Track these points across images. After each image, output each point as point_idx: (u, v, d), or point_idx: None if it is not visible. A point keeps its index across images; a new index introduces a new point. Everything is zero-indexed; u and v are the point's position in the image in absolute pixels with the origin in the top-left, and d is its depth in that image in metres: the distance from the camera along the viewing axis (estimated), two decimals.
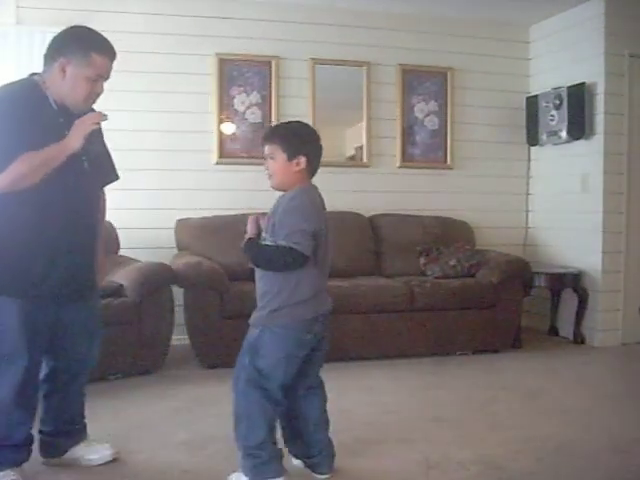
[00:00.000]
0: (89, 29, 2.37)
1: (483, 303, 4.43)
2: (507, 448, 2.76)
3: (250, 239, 2.31)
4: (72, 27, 2.38)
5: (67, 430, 2.54)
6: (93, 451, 2.55)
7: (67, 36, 2.32)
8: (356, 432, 2.94)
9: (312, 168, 2.32)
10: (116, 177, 2.64)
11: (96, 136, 2.38)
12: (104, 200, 2.64)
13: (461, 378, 3.93)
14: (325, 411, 2.47)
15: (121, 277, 3.90)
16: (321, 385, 2.49)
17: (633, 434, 2.96)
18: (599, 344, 4.74)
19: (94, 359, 2.57)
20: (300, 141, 2.28)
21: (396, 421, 3.12)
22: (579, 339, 4.83)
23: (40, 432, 2.53)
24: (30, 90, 2.29)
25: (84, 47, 2.27)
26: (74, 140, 2.25)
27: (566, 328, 4.98)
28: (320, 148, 2.35)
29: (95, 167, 2.42)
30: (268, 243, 2.25)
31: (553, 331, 5.12)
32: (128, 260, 4.15)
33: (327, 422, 2.47)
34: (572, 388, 3.75)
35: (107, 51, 2.33)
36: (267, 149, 2.30)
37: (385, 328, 4.26)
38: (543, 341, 4.95)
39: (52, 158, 2.22)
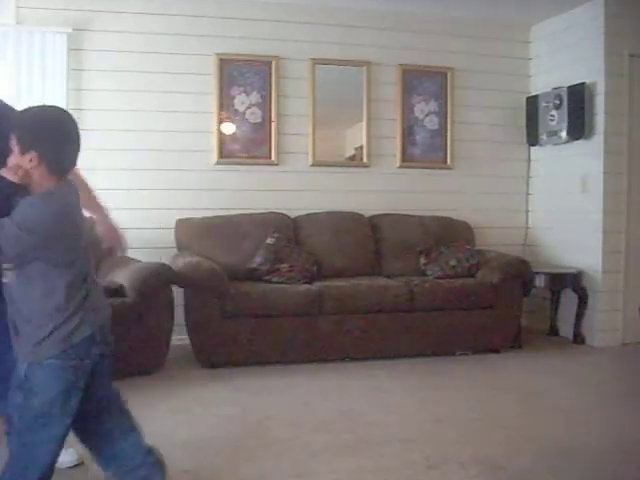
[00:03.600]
0: None
1: (483, 303, 4.42)
2: (507, 448, 2.76)
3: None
4: None
5: None
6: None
7: None
8: (356, 432, 2.95)
9: (54, 166, 1.84)
10: None
11: None
12: None
13: (461, 378, 3.93)
14: (124, 421, 2.10)
15: (121, 277, 3.90)
16: (112, 400, 2.10)
17: (633, 434, 2.96)
18: (599, 344, 4.74)
19: None
20: (33, 133, 1.81)
21: (396, 421, 3.12)
22: (579, 339, 4.82)
23: None
24: None
25: None
26: None
27: (566, 328, 4.98)
28: (64, 143, 1.87)
29: None
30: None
31: (553, 331, 5.12)
32: (128, 260, 4.14)
33: (133, 428, 2.10)
34: (572, 388, 3.75)
35: None
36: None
37: (385, 328, 4.26)
38: (543, 341, 4.95)
39: None
